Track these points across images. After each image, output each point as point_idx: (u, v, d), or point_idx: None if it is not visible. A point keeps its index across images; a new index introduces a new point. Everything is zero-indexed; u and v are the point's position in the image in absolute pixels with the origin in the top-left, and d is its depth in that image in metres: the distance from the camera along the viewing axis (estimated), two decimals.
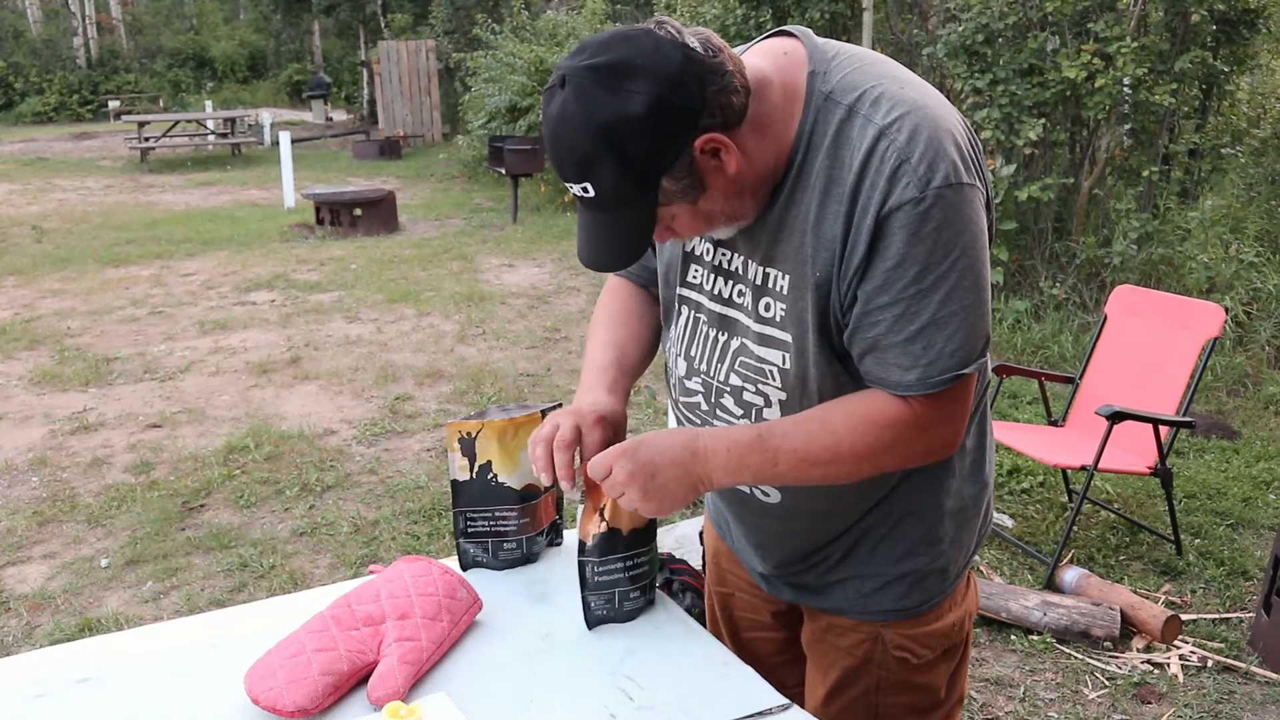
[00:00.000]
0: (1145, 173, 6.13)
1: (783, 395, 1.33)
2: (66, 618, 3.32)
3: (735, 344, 1.36)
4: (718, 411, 1.40)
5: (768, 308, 1.31)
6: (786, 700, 1.30)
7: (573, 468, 1.38)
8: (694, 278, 1.41)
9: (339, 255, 8.97)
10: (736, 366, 1.36)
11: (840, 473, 1.28)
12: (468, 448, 1.56)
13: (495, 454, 1.56)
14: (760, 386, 1.34)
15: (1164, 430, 3.52)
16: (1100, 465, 3.42)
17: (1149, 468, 3.55)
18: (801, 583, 1.52)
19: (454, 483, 1.58)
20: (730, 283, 1.35)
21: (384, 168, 15.53)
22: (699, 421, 1.44)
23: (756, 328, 1.33)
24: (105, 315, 7.05)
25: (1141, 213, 6.06)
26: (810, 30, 1.29)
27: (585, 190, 1.17)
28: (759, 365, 1.33)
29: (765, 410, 1.35)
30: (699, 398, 1.43)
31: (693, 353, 1.42)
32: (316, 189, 10.79)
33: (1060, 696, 2.90)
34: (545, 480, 1.39)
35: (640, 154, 1.14)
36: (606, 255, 1.24)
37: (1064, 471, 4.04)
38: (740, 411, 1.37)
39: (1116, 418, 3.39)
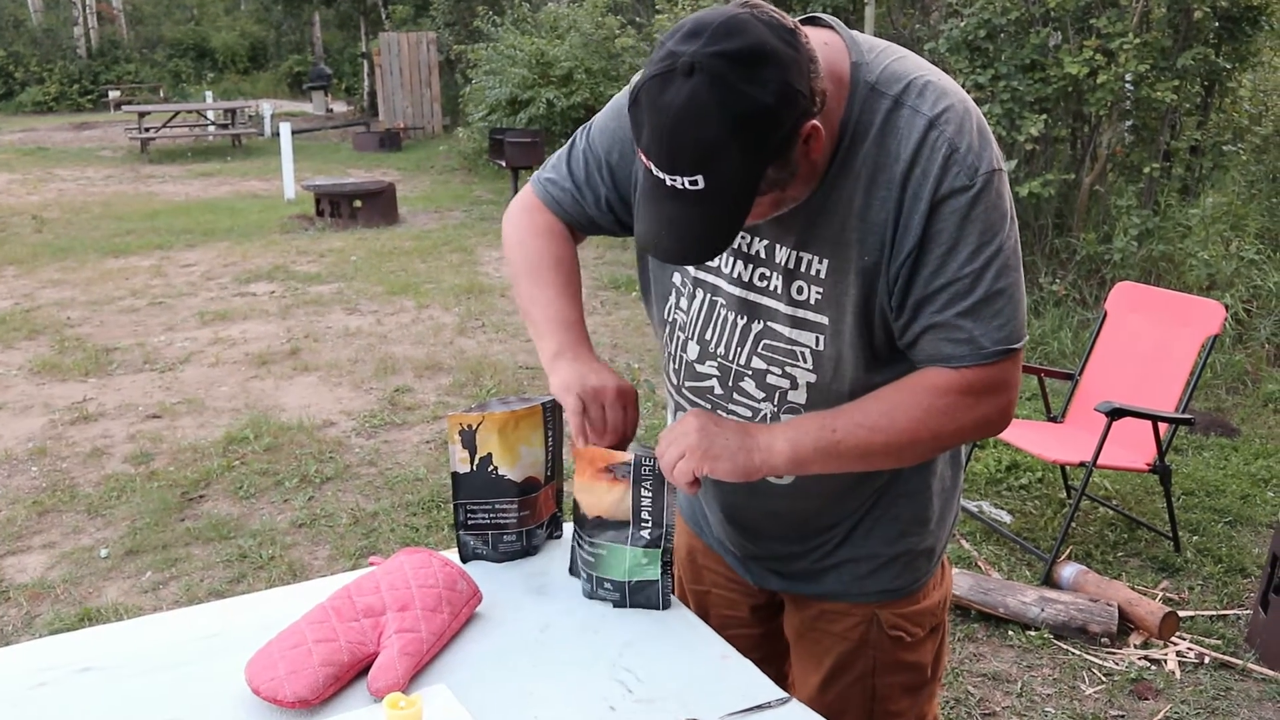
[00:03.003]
0: (1146, 169, 6.13)
1: (812, 377, 1.34)
2: (66, 607, 3.32)
3: (757, 327, 1.36)
4: (735, 395, 1.40)
5: (800, 290, 1.31)
6: (785, 694, 1.30)
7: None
8: (712, 260, 1.40)
9: (339, 247, 8.97)
10: (760, 350, 1.37)
11: (900, 441, 1.29)
12: (468, 440, 1.56)
13: (496, 446, 1.56)
14: (788, 368, 1.35)
15: (1163, 427, 3.53)
16: (1099, 462, 3.43)
17: (1148, 464, 3.56)
18: (792, 571, 1.53)
19: (454, 475, 1.58)
20: (752, 266, 1.35)
21: (384, 160, 15.51)
22: (709, 407, 1.44)
23: (787, 310, 1.33)
24: (105, 305, 7.04)
25: (1142, 209, 6.06)
26: (839, 21, 1.30)
27: (694, 183, 1.11)
28: (788, 347, 1.34)
29: (790, 393, 1.36)
30: (713, 381, 1.42)
31: (707, 336, 1.42)
32: (317, 180, 10.78)
33: (1057, 692, 2.90)
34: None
35: (769, 144, 1.11)
36: (696, 248, 1.20)
37: (1063, 468, 4.04)
38: (762, 395, 1.38)
39: (1116, 414, 3.39)
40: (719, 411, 1.42)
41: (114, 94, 23.90)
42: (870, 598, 1.50)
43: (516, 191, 9.99)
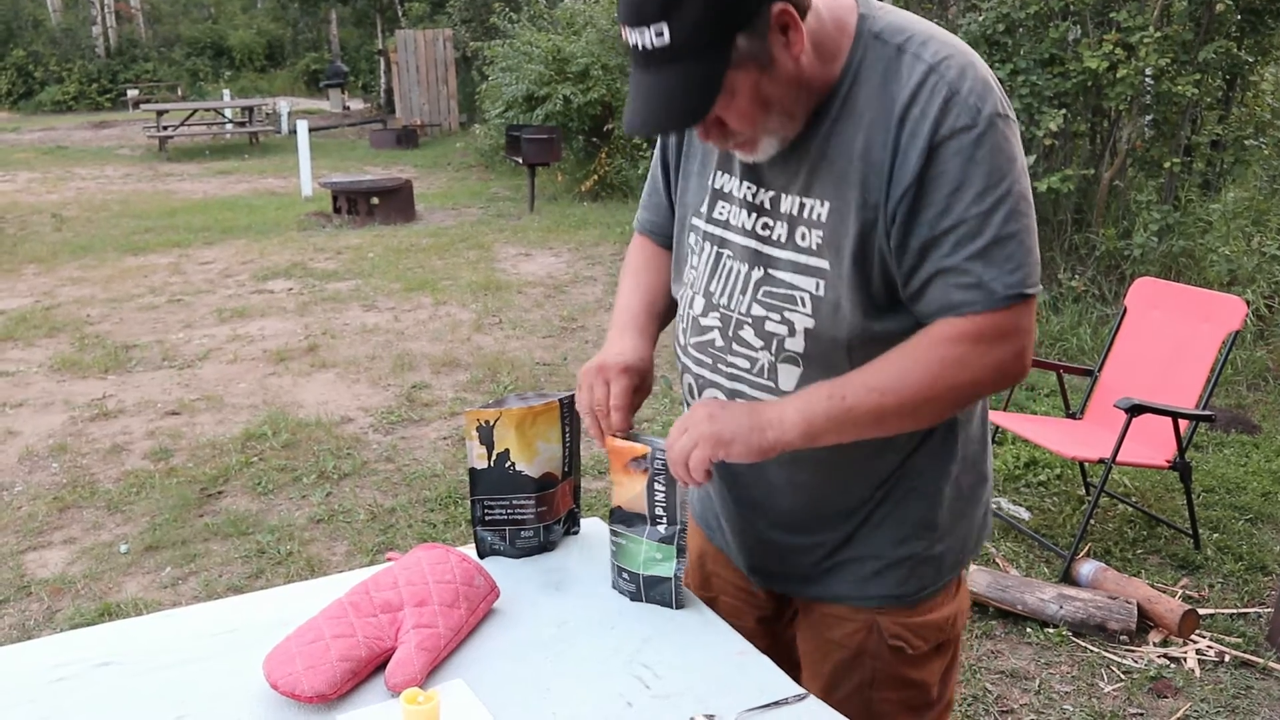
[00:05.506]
0: (1167, 164, 6.08)
1: (810, 323, 1.32)
2: (86, 602, 3.34)
3: (758, 274, 1.36)
4: (734, 346, 1.40)
5: (803, 237, 1.32)
6: (803, 690, 1.30)
7: (612, 424, 1.44)
8: (720, 214, 1.41)
9: (356, 244, 9.00)
10: (760, 296, 1.36)
11: (915, 399, 1.27)
12: (486, 436, 1.56)
13: (513, 442, 1.56)
14: (786, 314, 1.34)
15: (1183, 424, 3.50)
16: (1118, 458, 3.40)
17: (1167, 461, 3.53)
18: (796, 569, 1.51)
19: (472, 470, 1.58)
20: (756, 216, 1.36)
21: (401, 157, 15.55)
22: (710, 361, 1.43)
23: (788, 256, 1.33)
24: (124, 303, 7.09)
25: (1162, 204, 6.01)
26: None
27: (660, 35, 1.14)
28: (787, 293, 1.34)
29: (788, 340, 1.34)
30: (714, 334, 1.42)
31: (712, 288, 1.42)
32: (334, 178, 10.82)
33: (1076, 689, 2.89)
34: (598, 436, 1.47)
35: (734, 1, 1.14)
36: (667, 116, 1.21)
37: (1082, 464, 4.02)
38: (760, 343, 1.37)
39: (1135, 411, 3.37)
40: (719, 365, 1.42)
41: (132, 93, 24.04)
42: (872, 602, 1.46)
43: (534, 187, 9.97)
